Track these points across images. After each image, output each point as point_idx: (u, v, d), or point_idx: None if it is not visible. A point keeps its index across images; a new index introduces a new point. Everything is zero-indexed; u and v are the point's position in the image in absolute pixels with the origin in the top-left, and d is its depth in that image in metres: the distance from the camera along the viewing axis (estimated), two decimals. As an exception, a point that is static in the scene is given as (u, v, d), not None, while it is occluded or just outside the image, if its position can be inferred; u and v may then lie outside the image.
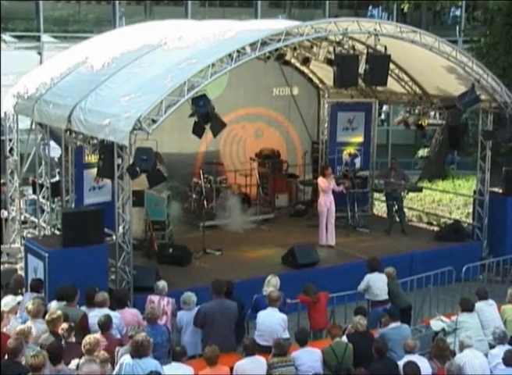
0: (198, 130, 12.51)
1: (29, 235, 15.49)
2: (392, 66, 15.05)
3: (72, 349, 8.44)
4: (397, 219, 16.77)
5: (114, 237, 12.27)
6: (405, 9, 24.05)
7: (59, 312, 9.05)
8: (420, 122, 17.01)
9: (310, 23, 13.07)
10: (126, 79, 13.19)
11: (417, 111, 16.96)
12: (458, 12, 30.91)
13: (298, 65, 17.18)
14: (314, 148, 18.92)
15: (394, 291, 11.54)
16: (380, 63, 13.74)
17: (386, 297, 11.42)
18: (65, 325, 8.78)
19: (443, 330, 10.47)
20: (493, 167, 16.09)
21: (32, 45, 25.71)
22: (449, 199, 20.73)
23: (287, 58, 15.26)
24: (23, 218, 16.23)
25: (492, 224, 15.78)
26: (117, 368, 8.28)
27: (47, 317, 8.98)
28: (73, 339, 8.72)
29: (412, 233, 16.56)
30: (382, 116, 31.00)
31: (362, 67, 13.61)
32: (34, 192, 15.66)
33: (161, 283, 10.63)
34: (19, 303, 10.09)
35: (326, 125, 18.46)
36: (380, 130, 24.64)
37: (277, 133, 18.96)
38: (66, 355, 8.16)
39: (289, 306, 10.96)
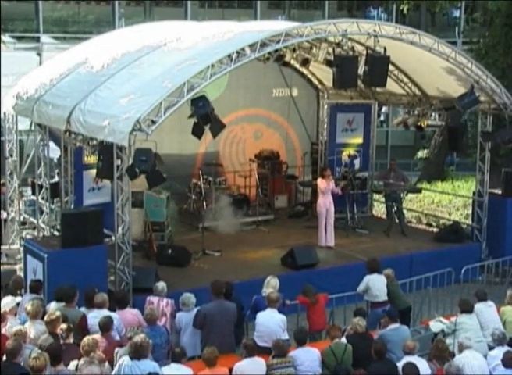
0: (198, 131, 12.50)
1: (28, 236, 15.48)
2: (391, 67, 15.05)
3: (70, 350, 8.43)
4: (396, 221, 16.76)
5: (113, 238, 12.27)
6: (404, 10, 24.05)
7: (58, 313, 9.04)
8: (419, 123, 17.02)
9: (309, 24, 13.07)
10: (125, 80, 13.19)
11: (416, 112, 16.96)
12: (457, 14, 30.94)
13: (297, 66, 17.17)
14: (314, 149, 18.91)
15: (393, 292, 11.54)
16: (379, 64, 13.74)
17: (386, 298, 11.41)
18: (63, 326, 8.77)
19: (442, 331, 10.47)
20: (492, 168, 16.09)
21: (31, 46, 25.76)
22: (448, 200, 20.72)
23: (287, 59, 15.26)
24: (22, 219, 16.25)
25: (492, 225, 15.77)
26: (116, 369, 8.28)
27: (46, 318, 8.98)
28: (72, 340, 8.72)
29: (411, 234, 16.55)
30: (382, 117, 31.04)
31: (361, 68, 13.62)
32: (34, 193, 15.66)
33: (161, 284, 10.63)
34: (18, 304, 10.09)
35: (325, 126, 18.44)
36: (379, 131, 24.68)
37: (276, 134, 18.97)
38: (65, 355, 8.16)
39: (288, 307, 10.95)
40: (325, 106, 18.58)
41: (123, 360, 8.20)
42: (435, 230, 17.67)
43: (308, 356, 9.09)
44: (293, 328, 10.35)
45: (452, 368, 8.55)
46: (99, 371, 8.12)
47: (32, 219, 15.98)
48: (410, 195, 18.49)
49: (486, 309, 10.52)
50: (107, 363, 8.43)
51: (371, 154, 18.40)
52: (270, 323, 9.93)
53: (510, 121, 15.29)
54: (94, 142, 12.46)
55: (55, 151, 14.67)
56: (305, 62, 15.45)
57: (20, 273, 12.86)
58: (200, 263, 14.14)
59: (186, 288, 11.27)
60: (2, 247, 15.57)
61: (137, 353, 8.11)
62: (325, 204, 15.22)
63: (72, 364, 8.25)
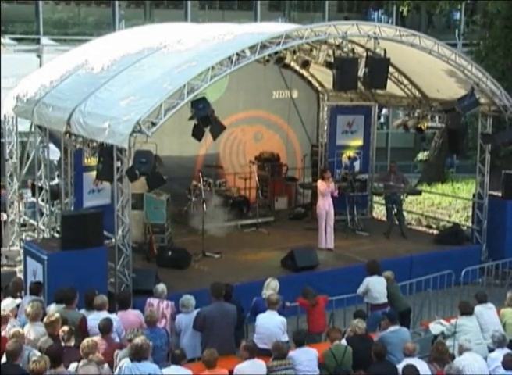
0: (198, 133, 12.50)
1: (28, 238, 15.46)
2: (391, 69, 15.04)
3: (71, 352, 8.43)
4: (396, 223, 16.76)
5: (113, 240, 12.26)
6: (404, 12, 24.05)
7: (57, 315, 9.04)
8: (419, 125, 17.00)
9: (309, 26, 13.08)
10: (125, 82, 13.20)
11: (416, 114, 16.95)
12: (457, 16, 30.94)
13: (298, 68, 17.17)
14: (314, 151, 18.91)
15: (393, 294, 11.53)
16: (379, 66, 13.74)
17: (385, 300, 11.41)
18: (65, 328, 8.77)
19: (442, 333, 10.47)
20: (492, 170, 16.09)
21: (32, 48, 25.75)
22: (448, 202, 20.73)
23: (287, 61, 15.25)
24: (22, 221, 16.24)
25: (492, 227, 15.77)
26: (116, 371, 8.28)
27: (45, 320, 8.97)
28: (73, 343, 8.70)
29: (411, 236, 16.55)
30: (382, 119, 31.04)
31: (362, 70, 13.61)
32: (34, 195, 15.65)
33: (161, 286, 10.63)
34: (18, 306, 10.08)
35: (326, 128, 18.44)
36: (379, 133, 24.71)
37: (277, 136, 18.97)
38: (66, 358, 8.16)
39: (288, 309, 10.95)
40: (325, 108, 18.59)
41: (123, 362, 8.20)
42: (435, 232, 17.66)
43: (306, 356, 9.14)
44: (292, 330, 10.35)
45: (452, 370, 8.56)
46: (96, 371, 8.10)
47: (32, 221, 15.97)
48: (410, 197, 18.48)
49: (486, 311, 10.53)
50: (106, 365, 8.43)
51: (371, 156, 18.40)
52: (270, 325, 9.93)
53: (510, 123, 15.28)
54: (94, 144, 12.46)
55: (55, 153, 14.67)
56: (305, 64, 15.45)
57: (20, 275, 12.84)
58: (200, 265, 14.14)
59: (186, 290, 11.27)
60: (2, 249, 15.56)
61: (138, 355, 8.11)
62: (325, 206, 15.22)
63: (72, 366, 8.25)
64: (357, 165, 18.12)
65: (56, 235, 13.80)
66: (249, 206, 17.37)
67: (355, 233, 16.54)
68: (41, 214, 15.09)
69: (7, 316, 9.39)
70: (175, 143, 16.90)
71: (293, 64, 16.31)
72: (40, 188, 14.95)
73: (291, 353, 9.08)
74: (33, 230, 15.66)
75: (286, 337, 9.97)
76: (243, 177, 17.72)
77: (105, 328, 9.03)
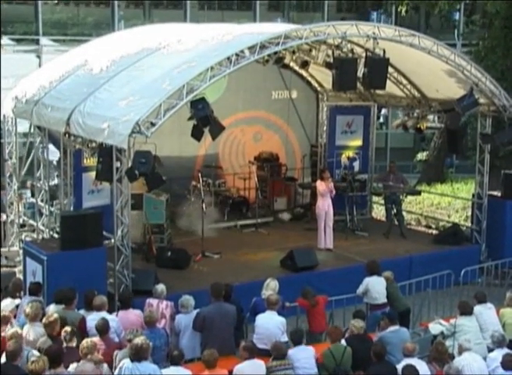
0: (197, 134, 12.50)
1: (27, 238, 15.46)
2: (390, 69, 15.04)
3: (72, 353, 8.44)
4: (396, 223, 16.77)
5: (112, 241, 12.25)
6: (402, 12, 24.04)
7: (56, 316, 9.04)
8: (419, 125, 17.00)
9: (309, 27, 13.08)
10: (124, 82, 13.19)
11: (415, 114, 16.94)
12: (457, 16, 30.94)
13: (297, 68, 17.18)
14: (313, 151, 18.91)
15: (393, 295, 11.54)
16: (379, 67, 13.75)
17: (385, 300, 11.41)
18: (68, 328, 8.78)
19: (442, 333, 10.48)
20: (492, 170, 16.09)
21: (31, 48, 25.72)
22: (447, 202, 20.73)
23: (286, 61, 15.25)
24: (21, 221, 16.24)
25: (491, 227, 15.76)
26: (116, 372, 8.28)
27: (44, 320, 8.98)
28: (75, 343, 8.70)
29: (411, 236, 16.55)
30: (381, 120, 31.01)
31: (361, 70, 13.62)
32: (33, 195, 15.67)
33: (160, 287, 10.63)
34: (17, 306, 10.08)
35: (325, 128, 18.45)
36: (379, 133, 24.67)
37: (276, 136, 18.97)
38: (66, 358, 8.16)
39: (287, 309, 10.96)
40: (325, 108, 18.60)
41: (124, 363, 8.20)
42: (434, 232, 17.66)
43: (304, 354, 9.18)
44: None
45: (451, 370, 8.56)
46: (92, 368, 8.10)
47: (31, 222, 15.97)
48: (409, 197, 18.47)
49: (486, 311, 10.53)
50: (106, 365, 8.43)
51: (371, 156, 18.41)
52: (269, 325, 9.94)
53: (509, 123, 15.28)
54: (94, 144, 12.45)
55: (54, 154, 14.68)
56: (304, 65, 15.45)
57: (20, 276, 12.84)
58: (199, 265, 14.14)
59: (186, 290, 11.27)
60: (2, 249, 15.55)
61: (138, 355, 8.11)
62: (324, 206, 15.22)
63: (72, 367, 8.26)
64: (356, 165, 18.14)
65: (55, 236, 13.78)
66: (248, 206, 17.37)
67: (354, 233, 16.55)
68: (41, 214, 15.08)
69: (8, 316, 9.39)
70: (174, 143, 16.89)
71: (292, 64, 16.32)
72: (40, 189, 14.93)
73: (289, 352, 9.11)
74: (33, 230, 15.66)
75: (285, 338, 9.96)
76: (242, 178, 17.72)
77: (102, 328, 9.03)
